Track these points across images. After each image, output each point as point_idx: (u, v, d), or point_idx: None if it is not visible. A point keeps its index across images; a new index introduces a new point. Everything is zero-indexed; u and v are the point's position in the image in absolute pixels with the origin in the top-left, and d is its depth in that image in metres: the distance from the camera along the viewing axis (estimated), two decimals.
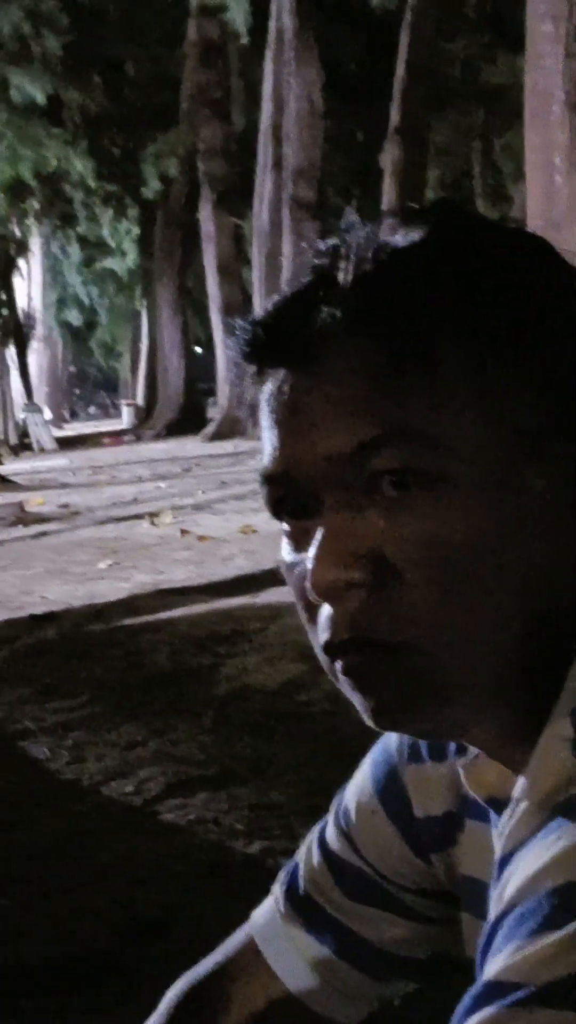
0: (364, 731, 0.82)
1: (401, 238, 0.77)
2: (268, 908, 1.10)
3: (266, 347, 0.79)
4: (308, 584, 0.76)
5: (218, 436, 26.82)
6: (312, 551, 0.75)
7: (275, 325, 0.79)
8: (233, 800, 3.91)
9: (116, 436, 33.07)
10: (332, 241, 0.80)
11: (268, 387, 0.79)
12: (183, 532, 10.99)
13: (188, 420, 32.27)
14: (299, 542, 0.79)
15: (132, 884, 3.26)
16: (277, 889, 1.10)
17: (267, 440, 0.79)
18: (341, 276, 0.77)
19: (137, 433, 34.99)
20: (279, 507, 0.80)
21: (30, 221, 34.17)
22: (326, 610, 0.76)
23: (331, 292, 0.77)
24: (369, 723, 0.78)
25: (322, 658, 0.78)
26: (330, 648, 0.77)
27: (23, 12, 19.75)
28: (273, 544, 6.62)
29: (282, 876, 1.10)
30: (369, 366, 0.74)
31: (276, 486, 0.79)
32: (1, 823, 3.83)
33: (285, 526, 0.80)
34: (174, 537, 10.79)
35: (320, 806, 1.11)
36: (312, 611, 0.78)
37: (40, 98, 21.09)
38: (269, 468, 0.79)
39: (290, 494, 0.78)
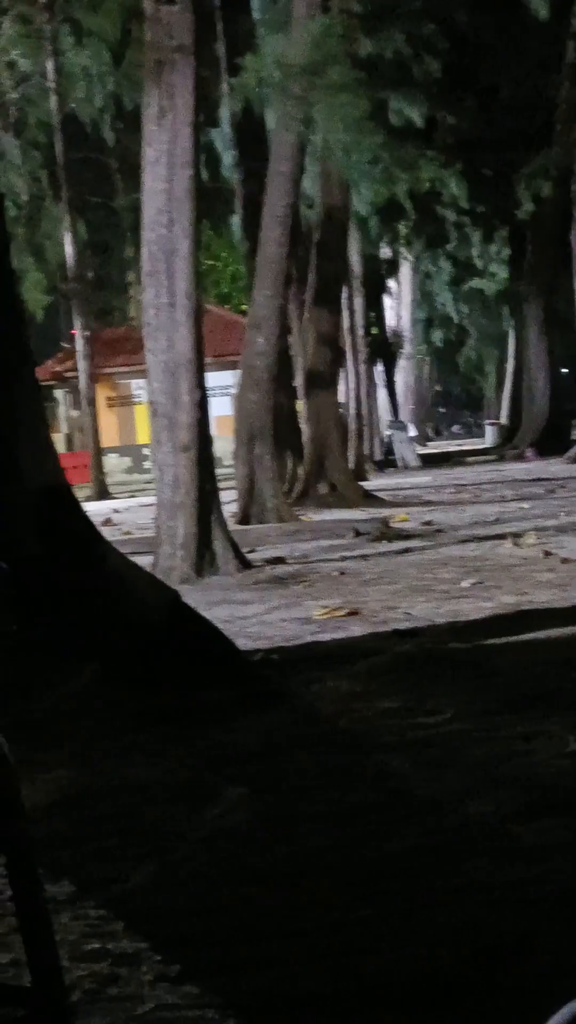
0: None
1: None
2: None
3: None
4: None
5: None
6: None
7: None
8: None
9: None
10: None
11: None
12: (546, 554, 10.88)
13: (552, 441, 31.94)
14: None
15: (488, 907, 3.25)
16: None
17: None
18: None
19: (500, 453, 34.86)
20: None
21: (402, 241, 34.61)
22: None
23: None
24: None
25: None
26: None
27: (404, 36, 20.07)
28: None
29: None
30: None
31: None
32: (363, 834, 3.89)
33: None
34: (537, 558, 10.70)
35: None
36: None
37: (417, 120, 21.36)
38: None
39: None
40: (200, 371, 11.48)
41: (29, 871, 2.23)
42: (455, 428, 67.67)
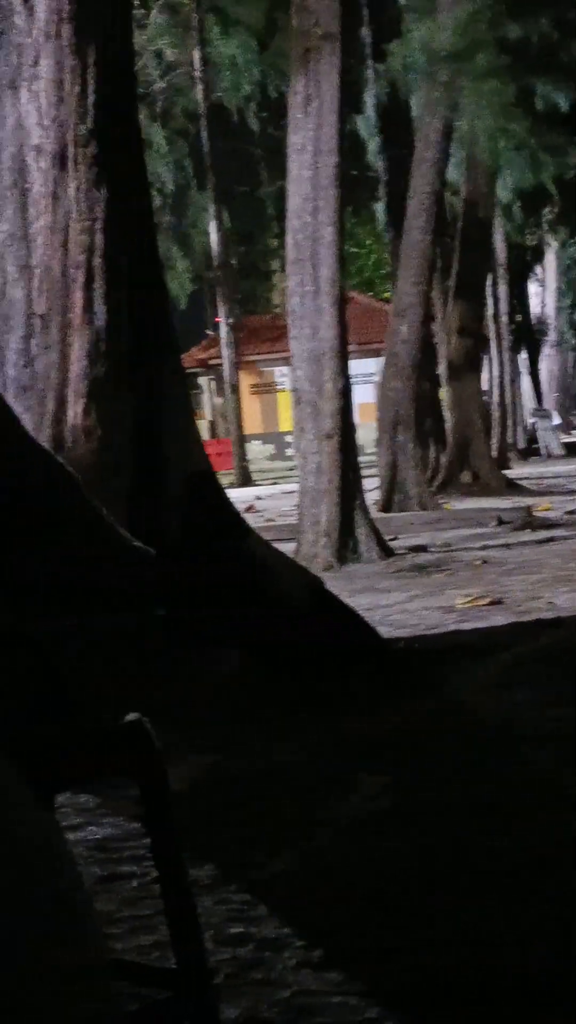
0: None
1: None
2: None
3: None
4: None
5: None
6: None
7: None
8: None
9: None
10: None
11: None
12: None
13: None
14: None
15: None
16: None
17: None
18: None
19: None
20: None
21: (547, 228, 34.19)
22: None
23: None
24: None
25: None
26: None
27: (551, 20, 19.79)
28: None
29: None
30: None
31: None
32: (503, 827, 3.87)
33: None
34: None
35: None
36: None
37: (564, 106, 21.05)
38: None
39: None
40: (344, 359, 11.48)
41: (175, 854, 2.26)
42: None
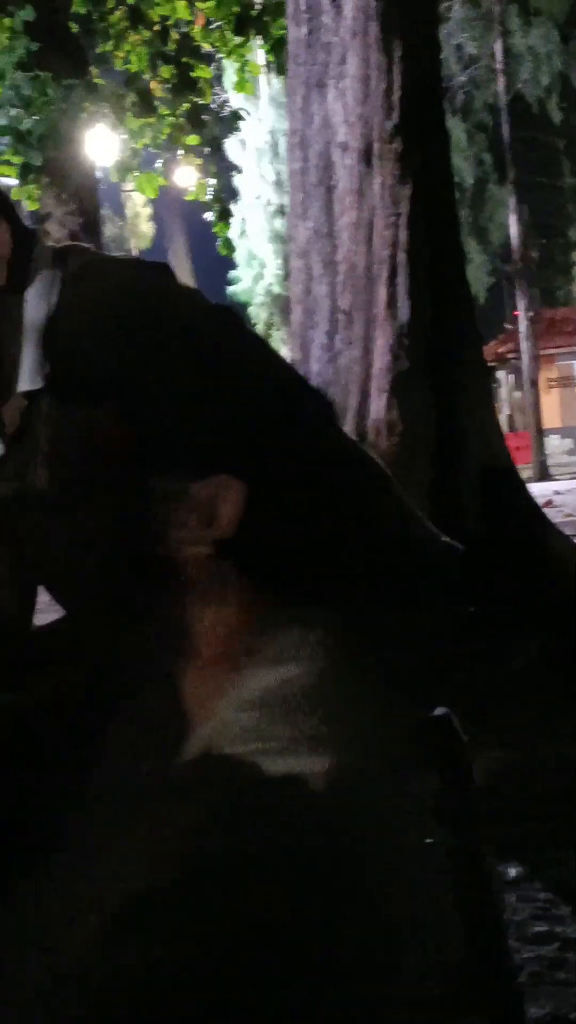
0: None
1: None
2: None
3: None
4: None
5: None
6: None
7: None
8: None
9: None
10: None
11: None
12: None
13: None
14: None
15: None
16: None
17: None
18: None
19: None
20: None
21: None
22: None
23: None
24: None
25: None
26: None
27: None
28: None
29: None
30: None
31: None
32: None
33: None
34: None
35: None
36: None
37: None
38: None
39: None
40: None
41: (477, 849, 2.26)
42: None
